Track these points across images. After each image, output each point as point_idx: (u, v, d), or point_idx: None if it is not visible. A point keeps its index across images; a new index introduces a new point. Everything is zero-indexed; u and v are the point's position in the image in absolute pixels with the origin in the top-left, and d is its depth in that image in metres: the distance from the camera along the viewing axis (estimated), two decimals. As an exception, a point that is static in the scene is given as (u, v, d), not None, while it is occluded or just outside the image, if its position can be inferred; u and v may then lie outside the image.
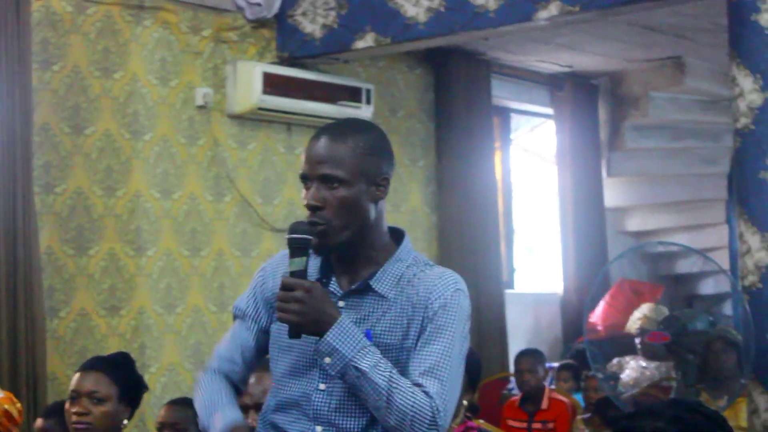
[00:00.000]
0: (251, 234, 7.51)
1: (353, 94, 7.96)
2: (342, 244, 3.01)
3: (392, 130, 8.53)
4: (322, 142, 3.01)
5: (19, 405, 4.57)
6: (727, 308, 9.27)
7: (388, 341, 2.98)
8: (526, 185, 10.48)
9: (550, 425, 6.97)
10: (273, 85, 7.46)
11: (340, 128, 3.07)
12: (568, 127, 10.06)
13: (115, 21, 6.93)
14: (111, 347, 6.59)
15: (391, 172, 3.09)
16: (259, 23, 7.61)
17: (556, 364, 8.57)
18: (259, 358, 3.18)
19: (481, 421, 5.46)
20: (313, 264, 3.06)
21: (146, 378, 4.57)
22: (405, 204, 8.63)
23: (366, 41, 7.40)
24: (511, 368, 8.62)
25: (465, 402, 4.37)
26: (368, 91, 8.06)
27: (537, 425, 7.00)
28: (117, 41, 6.93)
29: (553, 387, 7.83)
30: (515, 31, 7.51)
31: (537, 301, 9.87)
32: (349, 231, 3.00)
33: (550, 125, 10.31)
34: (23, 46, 6.25)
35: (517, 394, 7.58)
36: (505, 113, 10.00)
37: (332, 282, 3.05)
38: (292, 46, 7.69)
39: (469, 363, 4.28)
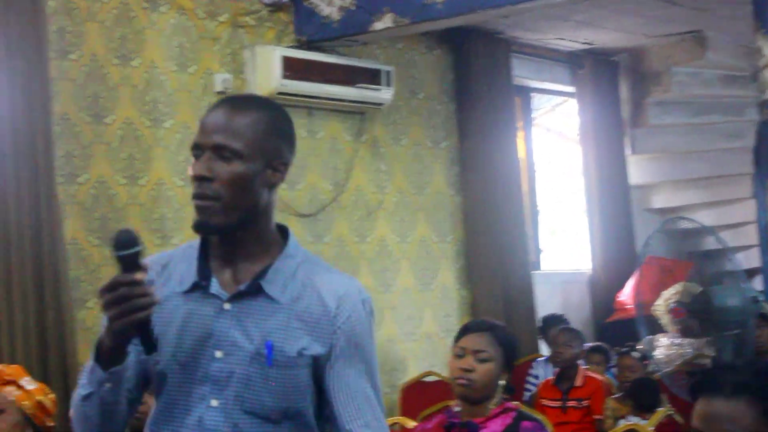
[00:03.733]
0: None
1: (373, 77, 7.88)
2: (227, 227, 2.66)
3: (413, 112, 8.48)
4: (222, 111, 2.70)
5: (52, 396, 4.49)
6: (757, 283, 9.19)
7: (288, 353, 2.65)
8: (549, 164, 10.39)
9: (585, 402, 6.86)
10: (292, 69, 7.37)
11: (242, 100, 2.81)
12: (590, 105, 9.97)
13: (132, 8, 6.84)
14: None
15: (290, 158, 2.77)
16: (276, 7, 7.53)
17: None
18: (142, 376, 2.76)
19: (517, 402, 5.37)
20: (187, 266, 2.73)
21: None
22: (428, 186, 8.55)
23: (384, 22, 7.32)
24: (541, 350, 8.56)
25: (502, 382, 4.29)
26: (388, 72, 7.97)
27: (572, 403, 6.89)
28: (134, 28, 6.85)
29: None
30: (534, 7, 7.42)
31: (565, 281, 9.78)
32: (237, 213, 2.65)
33: (572, 103, 10.21)
34: (40, 35, 6.17)
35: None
36: (526, 92, 9.91)
37: (213, 283, 2.69)
38: (310, 29, 7.60)
39: (506, 343, 4.22)
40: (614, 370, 7.72)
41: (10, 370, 4.47)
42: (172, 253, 2.80)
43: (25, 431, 4.32)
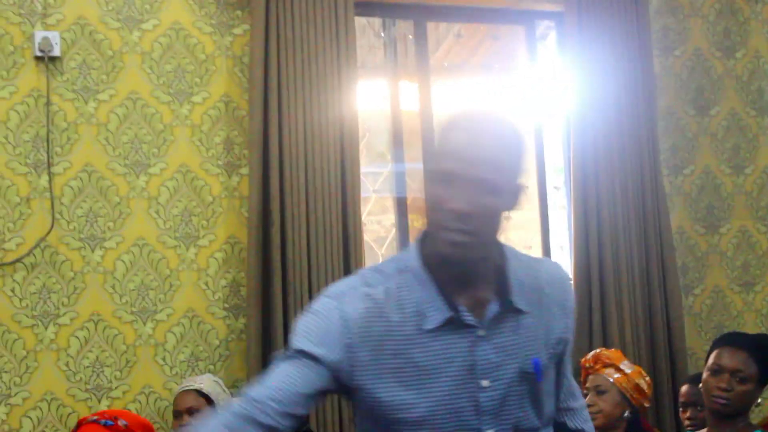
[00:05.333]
0: None
1: None
2: (479, 259, 2.50)
3: None
4: (481, 137, 2.44)
5: (648, 378, 4.78)
6: None
7: (546, 361, 2.59)
8: None
9: None
10: None
11: (499, 124, 2.49)
12: None
13: (734, 1, 6.97)
14: (747, 323, 6.66)
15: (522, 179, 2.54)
16: None
17: None
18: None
19: None
20: (418, 297, 2.51)
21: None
22: None
23: None
24: None
25: None
26: None
27: None
28: (736, 20, 6.97)
29: None
30: None
31: None
32: (488, 245, 2.51)
33: None
34: (644, 34, 6.49)
35: None
36: None
37: (463, 312, 2.50)
38: None
39: None
40: None
41: (610, 353, 4.83)
42: (384, 283, 2.54)
43: (623, 410, 4.68)
